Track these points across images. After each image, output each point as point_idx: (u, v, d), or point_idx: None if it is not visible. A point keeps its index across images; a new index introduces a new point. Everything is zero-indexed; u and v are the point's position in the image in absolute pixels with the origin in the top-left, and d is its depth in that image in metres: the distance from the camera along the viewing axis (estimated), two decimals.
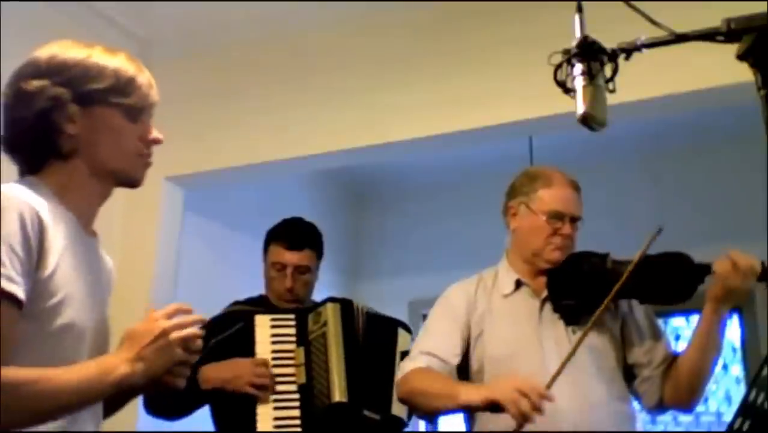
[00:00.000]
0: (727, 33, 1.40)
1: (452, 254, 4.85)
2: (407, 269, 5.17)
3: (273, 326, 2.74)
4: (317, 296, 2.97)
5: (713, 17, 1.45)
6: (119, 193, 1.65)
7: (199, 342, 1.50)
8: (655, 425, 4.56)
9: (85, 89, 1.52)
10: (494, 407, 2.01)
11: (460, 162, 4.87)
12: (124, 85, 1.55)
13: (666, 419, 4.52)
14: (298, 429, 2.63)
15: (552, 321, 2.31)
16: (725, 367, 4.59)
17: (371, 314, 2.83)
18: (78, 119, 1.51)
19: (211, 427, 2.81)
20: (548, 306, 2.34)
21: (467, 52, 3.45)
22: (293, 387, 2.67)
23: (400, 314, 3.21)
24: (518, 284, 2.39)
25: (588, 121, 1.47)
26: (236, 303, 2.93)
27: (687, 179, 4.71)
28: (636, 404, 2.37)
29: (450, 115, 3.42)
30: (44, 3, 3.25)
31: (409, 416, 2.75)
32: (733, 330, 4.50)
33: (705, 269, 2.19)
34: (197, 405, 2.74)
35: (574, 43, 1.50)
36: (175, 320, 1.47)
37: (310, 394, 2.65)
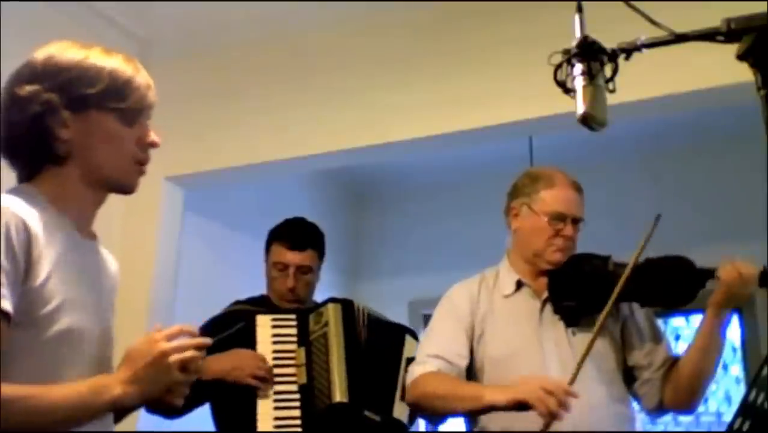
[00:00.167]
0: (727, 33, 1.40)
1: (452, 254, 4.85)
2: (407, 269, 5.17)
3: (274, 326, 2.74)
4: (317, 296, 2.97)
5: (713, 17, 1.44)
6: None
7: (200, 364, 1.48)
8: (655, 426, 4.56)
9: (79, 93, 1.51)
10: (520, 406, 2.02)
11: (460, 162, 4.87)
12: (119, 88, 1.54)
13: (666, 419, 4.52)
14: (299, 429, 2.63)
15: (552, 322, 2.31)
16: (725, 367, 4.59)
17: (380, 320, 2.83)
18: (71, 124, 1.50)
19: (211, 427, 2.81)
20: (549, 307, 2.33)
21: (467, 52, 3.45)
22: (294, 387, 2.67)
23: (400, 314, 3.22)
24: (519, 285, 2.39)
25: (588, 121, 1.47)
26: (237, 303, 2.93)
27: (687, 179, 4.71)
28: (636, 406, 2.37)
29: (450, 115, 3.42)
30: (44, 3, 3.24)
31: (410, 420, 2.74)
32: (733, 330, 4.50)
33: (707, 274, 2.20)
34: (198, 403, 2.73)
35: (574, 43, 1.50)
36: (176, 343, 1.46)
37: (311, 394, 2.65)
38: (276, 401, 2.65)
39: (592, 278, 2.29)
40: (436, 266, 4.70)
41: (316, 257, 2.91)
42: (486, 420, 2.23)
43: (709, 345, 2.24)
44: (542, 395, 1.96)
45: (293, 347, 2.72)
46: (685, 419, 4.52)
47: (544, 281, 2.36)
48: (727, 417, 4.49)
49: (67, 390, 1.39)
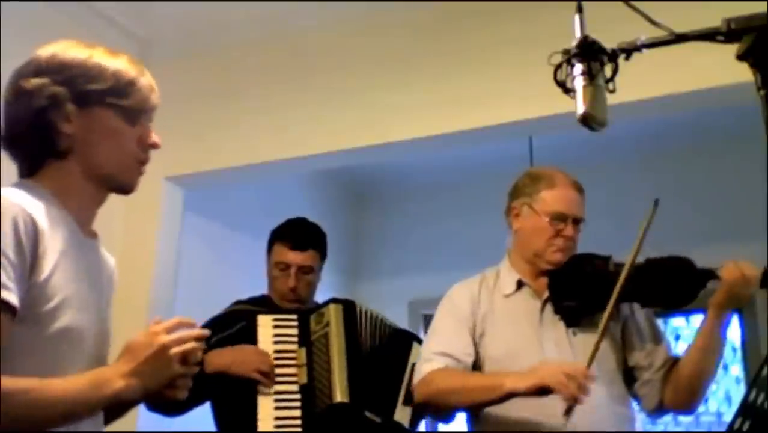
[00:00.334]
0: (727, 33, 1.40)
1: (452, 254, 4.85)
2: (407, 269, 5.17)
3: (275, 326, 2.73)
4: (317, 296, 2.97)
5: (713, 17, 1.45)
6: None
7: (200, 355, 1.49)
8: (655, 425, 4.56)
9: (84, 89, 1.52)
10: (542, 391, 2.03)
11: (460, 162, 4.87)
12: (123, 87, 1.55)
13: (666, 419, 4.51)
14: (299, 429, 2.63)
15: (553, 322, 2.31)
16: (725, 367, 4.59)
17: (387, 324, 2.82)
18: (74, 118, 1.51)
19: (211, 427, 2.81)
20: (549, 307, 2.33)
21: (467, 52, 3.45)
22: (295, 387, 2.67)
23: (400, 314, 3.22)
24: (519, 285, 2.39)
25: (588, 121, 1.47)
26: (238, 302, 2.93)
27: (687, 179, 4.70)
28: (635, 406, 2.37)
29: (450, 115, 3.41)
30: (44, 3, 3.25)
31: (412, 424, 2.73)
32: (733, 330, 4.50)
33: (707, 275, 2.20)
34: (199, 399, 2.72)
35: (574, 43, 1.50)
36: (176, 335, 1.46)
37: (312, 394, 2.65)
38: (277, 400, 2.64)
39: (592, 278, 2.29)
40: (436, 266, 4.70)
41: (318, 257, 2.91)
42: (486, 420, 2.22)
43: (710, 345, 2.24)
44: (563, 379, 1.98)
45: (294, 347, 2.72)
46: (685, 419, 4.52)
47: (544, 281, 2.36)
48: (727, 417, 4.50)
49: (67, 384, 1.39)
